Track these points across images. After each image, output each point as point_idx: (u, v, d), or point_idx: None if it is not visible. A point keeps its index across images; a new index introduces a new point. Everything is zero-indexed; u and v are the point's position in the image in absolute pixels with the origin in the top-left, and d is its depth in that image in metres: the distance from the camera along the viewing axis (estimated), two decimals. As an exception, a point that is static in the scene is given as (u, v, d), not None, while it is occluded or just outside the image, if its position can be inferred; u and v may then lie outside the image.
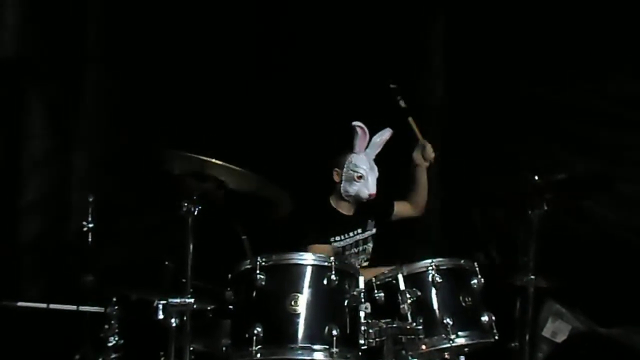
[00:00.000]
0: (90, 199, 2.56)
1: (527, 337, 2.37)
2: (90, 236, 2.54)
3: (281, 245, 2.06)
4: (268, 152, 3.13)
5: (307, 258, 1.84)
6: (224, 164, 1.74)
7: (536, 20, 3.13)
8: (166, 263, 2.28)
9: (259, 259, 1.82)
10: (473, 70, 3.32)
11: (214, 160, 1.73)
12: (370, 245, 2.58)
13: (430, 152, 2.64)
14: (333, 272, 1.80)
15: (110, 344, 2.09)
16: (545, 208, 2.24)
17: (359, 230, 2.54)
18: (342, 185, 2.52)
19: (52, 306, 2.11)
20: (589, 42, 3.00)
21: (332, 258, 1.84)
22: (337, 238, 2.47)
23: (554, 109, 3.09)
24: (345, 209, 2.57)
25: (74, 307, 2.11)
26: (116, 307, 2.12)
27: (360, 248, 2.55)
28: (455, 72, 3.39)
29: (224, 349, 1.85)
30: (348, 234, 2.51)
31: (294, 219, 2.30)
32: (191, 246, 1.77)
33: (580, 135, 2.99)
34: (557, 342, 2.89)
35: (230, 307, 1.89)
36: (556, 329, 2.95)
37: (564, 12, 3.05)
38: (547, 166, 2.79)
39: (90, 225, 2.53)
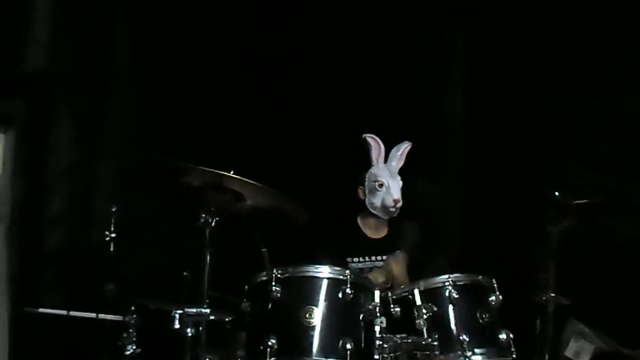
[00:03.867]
0: (113, 210, 2.62)
1: (546, 357, 2.34)
2: (112, 246, 2.60)
3: (300, 259, 2.06)
4: (290, 167, 3.16)
5: (323, 271, 1.85)
6: (241, 178, 1.76)
7: (555, 37, 3.12)
8: (184, 274, 2.30)
9: (275, 271, 1.83)
10: (494, 87, 3.30)
11: (231, 174, 1.76)
12: None
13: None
14: (348, 286, 1.80)
15: (127, 353, 2.11)
16: (565, 224, 2.23)
17: (384, 257, 2.46)
18: (367, 199, 2.52)
19: (72, 313, 2.14)
20: (607, 58, 2.98)
21: (347, 272, 1.84)
22: (356, 259, 2.44)
23: (572, 126, 3.07)
24: (372, 229, 2.54)
25: (93, 315, 2.14)
26: (134, 316, 2.15)
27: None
28: (476, 90, 3.38)
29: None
30: (370, 258, 2.46)
31: (314, 235, 2.31)
32: (208, 257, 1.79)
33: (598, 152, 2.96)
34: None
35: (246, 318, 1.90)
36: (579, 349, 2.90)
37: (582, 28, 3.04)
38: (565, 182, 2.75)
39: (113, 235, 2.58)
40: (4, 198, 3.04)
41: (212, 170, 1.79)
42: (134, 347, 2.12)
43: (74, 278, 3.00)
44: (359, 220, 2.54)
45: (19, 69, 2.95)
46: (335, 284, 1.82)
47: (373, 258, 2.47)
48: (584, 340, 2.91)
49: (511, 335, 1.94)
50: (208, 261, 1.80)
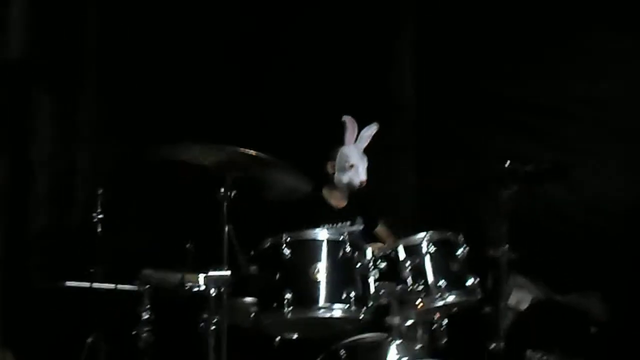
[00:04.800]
0: (99, 192, 2.80)
1: (501, 303, 2.73)
2: (99, 227, 2.78)
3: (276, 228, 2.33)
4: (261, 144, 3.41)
5: (325, 234, 2.18)
6: (253, 152, 2.02)
7: (503, 15, 3.46)
8: (187, 245, 2.55)
9: (283, 236, 2.13)
10: (441, 69, 3.63)
11: (242, 149, 2.01)
12: None
13: None
14: (347, 245, 2.14)
15: (143, 318, 2.34)
16: (514, 189, 2.63)
17: (348, 223, 2.83)
18: (335, 175, 2.83)
19: (94, 285, 2.35)
20: (549, 39, 3.37)
21: (346, 234, 2.17)
22: (327, 226, 2.76)
23: (515, 104, 3.48)
24: (337, 200, 2.87)
25: (112, 286, 2.35)
26: (148, 286, 2.38)
27: None
28: (425, 70, 3.70)
29: (251, 315, 2.15)
30: (337, 224, 2.80)
31: (286, 206, 2.60)
32: (227, 227, 2.06)
33: (538, 128, 3.39)
34: (520, 310, 3.20)
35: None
36: (519, 298, 3.22)
37: (529, 7, 3.40)
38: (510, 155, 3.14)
39: (100, 216, 2.76)
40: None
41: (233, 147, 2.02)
42: (149, 314, 2.36)
43: (63, 258, 3.17)
44: (324, 192, 2.86)
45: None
46: (335, 245, 2.14)
47: (339, 224, 2.81)
48: (523, 290, 3.25)
49: (477, 280, 2.34)
50: (227, 231, 2.06)
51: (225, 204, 2.07)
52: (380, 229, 2.97)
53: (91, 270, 2.67)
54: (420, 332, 2.35)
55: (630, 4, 3.26)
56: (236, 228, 2.18)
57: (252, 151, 2.03)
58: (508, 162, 2.56)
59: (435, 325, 2.42)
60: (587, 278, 3.19)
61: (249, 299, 2.30)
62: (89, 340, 2.73)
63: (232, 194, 2.07)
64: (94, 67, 3.33)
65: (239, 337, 2.23)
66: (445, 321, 2.40)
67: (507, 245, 2.63)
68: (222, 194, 2.07)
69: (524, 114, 3.46)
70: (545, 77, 3.41)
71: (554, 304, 3.22)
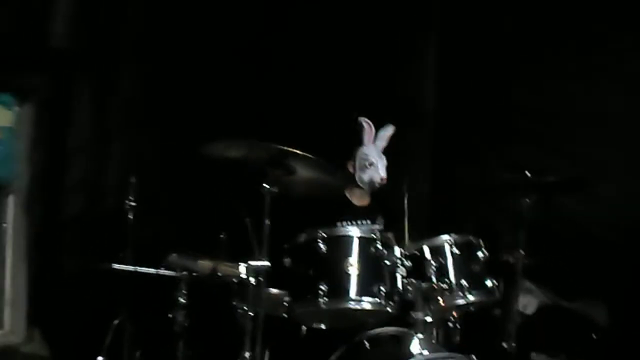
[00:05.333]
0: (132, 181, 2.94)
1: (513, 307, 2.87)
2: (131, 214, 2.91)
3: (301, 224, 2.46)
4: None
5: (357, 232, 2.34)
6: (298, 151, 2.16)
7: (525, 24, 3.56)
8: (221, 236, 2.69)
9: (319, 232, 2.28)
10: (462, 77, 3.74)
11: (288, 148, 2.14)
12: None
13: None
14: (378, 242, 2.29)
15: (180, 302, 2.49)
16: (531, 198, 2.77)
17: (368, 222, 2.92)
18: (356, 174, 2.97)
19: (138, 269, 2.49)
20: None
21: (377, 232, 2.32)
22: (346, 224, 2.87)
23: (533, 115, 3.59)
24: (358, 199, 3.00)
25: (153, 271, 2.50)
26: (185, 272, 2.52)
27: None
28: (446, 78, 3.82)
29: (285, 304, 2.30)
30: (357, 222, 2.91)
31: (311, 203, 2.72)
32: (267, 221, 2.20)
33: (558, 139, 3.50)
34: (527, 313, 3.32)
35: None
36: (527, 302, 3.34)
37: (554, 16, 3.51)
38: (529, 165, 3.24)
39: (133, 204, 2.90)
40: (20, 170, 3.28)
41: (275, 145, 2.16)
42: (185, 299, 2.50)
43: (92, 244, 3.31)
44: (346, 191, 2.99)
45: (39, 45, 3.15)
46: (367, 241, 2.29)
47: (359, 222, 2.90)
48: (530, 295, 3.37)
49: (495, 282, 2.49)
50: (267, 224, 2.20)
51: (267, 198, 2.20)
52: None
53: (120, 255, 2.82)
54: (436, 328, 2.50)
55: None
56: (259, 222, 2.29)
57: (296, 150, 2.16)
58: (528, 173, 2.70)
59: (450, 323, 2.57)
60: (592, 286, 3.32)
61: (277, 290, 2.43)
62: (115, 322, 2.88)
63: (274, 190, 2.20)
64: (132, 57, 3.43)
65: (268, 326, 2.35)
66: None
67: (522, 252, 2.78)
68: (265, 189, 2.20)
69: (542, 125, 3.56)
70: (566, 89, 3.50)
71: (559, 309, 3.35)
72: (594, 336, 3.25)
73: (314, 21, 3.67)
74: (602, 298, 3.32)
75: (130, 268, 2.53)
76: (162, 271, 2.50)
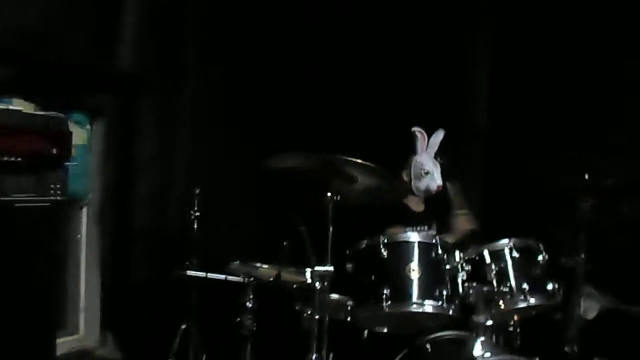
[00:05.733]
0: (197, 192, 3.09)
1: (575, 311, 2.86)
2: (196, 223, 3.06)
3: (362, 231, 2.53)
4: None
5: (417, 237, 2.40)
6: (358, 160, 2.24)
7: (572, 33, 3.55)
8: (284, 243, 2.79)
9: (381, 237, 2.36)
10: (514, 94, 3.74)
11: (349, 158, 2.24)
12: None
13: (468, 223, 3.04)
14: (438, 247, 2.35)
15: (248, 306, 2.61)
16: (591, 203, 2.76)
17: (426, 227, 3.00)
18: (412, 183, 3.03)
19: (209, 275, 2.63)
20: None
21: (437, 237, 2.37)
22: (407, 230, 2.90)
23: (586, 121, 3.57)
24: (414, 205, 3.07)
25: (223, 277, 2.63)
26: (252, 279, 2.64)
27: None
28: (498, 99, 3.84)
29: (348, 309, 2.38)
30: (416, 228, 2.96)
31: (371, 211, 2.78)
32: (331, 228, 2.29)
33: (612, 143, 3.47)
34: (588, 318, 3.25)
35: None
36: (587, 307, 3.25)
37: (606, 23, 3.49)
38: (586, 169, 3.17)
39: (198, 214, 3.05)
40: (92, 184, 3.49)
41: (334, 155, 2.26)
42: (252, 303, 2.62)
43: (162, 253, 3.48)
44: (403, 199, 3.05)
45: (109, 68, 3.36)
46: (428, 247, 2.36)
47: (419, 228, 2.97)
48: (591, 299, 3.32)
49: (557, 286, 2.50)
50: (331, 231, 2.29)
51: (330, 207, 2.29)
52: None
53: (187, 263, 2.97)
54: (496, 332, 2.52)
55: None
56: (321, 230, 2.37)
57: (358, 159, 2.25)
58: (587, 175, 2.70)
59: (510, 328, 2.60)
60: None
61: (336, 296, 2.51)
62: (183, 326, 3.03)
63: (337, 198, 2.29)
64: (194, 74, 3.59)
65: (332, 330, 2.43)
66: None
67: (582, 256, 2.77)
68: (328, 198, 2.29)
69: (598, 130, 3.54)
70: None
71: (621, 313, 3.31)
72: None
73: (370, 32, 3.77)
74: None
75: (200, 274, 2.66)
76: (231, 277, 2.62)
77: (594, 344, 3.17)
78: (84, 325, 3.50)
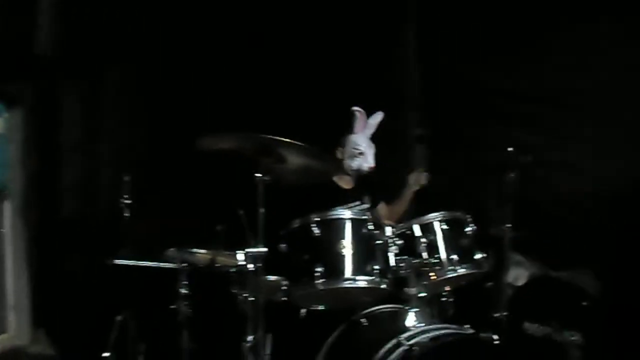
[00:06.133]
0: (127, 178, 2.99)
1: (503, 279, 2.95)
2: (127, 211, 2.97)
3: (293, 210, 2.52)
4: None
5: (349, 214, 2.42)
6: (288, 140, 2.23)
7: (497, 17, 3.66)
8: (217, 228, 2.76)
9: (312, 216, 2.36)
10: (443, 63, 3.83)
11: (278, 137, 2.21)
12: None
13: (423, 179, 3.17)
14: (369, 223, 2.38)
15: (182, 293, 2.56)
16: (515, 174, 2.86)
17: (358, 202, 3.02)
18: (345, 161, 3.05)
19: (139, 263, 2.56)
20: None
21: (368, 213, 2.40)
22: (339, 208, 2.99)
23: (513, 96, 3.66)
24: (345, 183, 3.10)
25: (154, 264, 2.57)
26: (186, 264, 2.59)
27: None
28: (428, 65, 3.90)
29: (283, 288, 2.38)
30: (347, 204, 2.98)
31: (301, 191, 2.79)
32: (262, 209, 2.27)
33: (537, 117, 3.59)
34: (518, 285, 3.42)
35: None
36: (517, 275, 3.44)
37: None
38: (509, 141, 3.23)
39: (128, 202, 2.95)
40: (14, 176, 3.33)
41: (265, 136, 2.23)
42: (187, 290, 2.57)
43: (91, 244, 3.37)
44: (334, 177, 3.06)
45: (25, 54, 3.20)
46: (359, 223, 2.38)
47: (350, 205, 2.95)
48: (520, 267, 3.47)
49: (485, 255, 2.58)
50: (262, 212, 2.27)
51: (260, 188, 2.27)
52: (380, 207, 3.16)
53: (119, 252, 2.88)
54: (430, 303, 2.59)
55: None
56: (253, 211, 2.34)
57: (287, 139, 2.24)
58: (510, 149, 2.79)
59: (443, 298, 2.67)
60: (581, 257, 3.42)
61: (273, 277, 2.50)
62: (119, 318, 2.95)
63: (266, 179, 2.27)
64: (118, 57, 3.47)
65: (268, 310, 2.43)
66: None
67: (509, 225, 2.87)
68: (257, 178, 2.27)
69: (523, 105, 3.64)
70: (541, 68, 3.60)
71: (549, 279, 3.45)
72: (584, 303, 3.31)
73: (302, 13, 3.73)
74: (590, 267, 3.42)
75: (131, 262, 2.59)
76: (162, 264, 2.57)
77: (524, 309, 3.32)
78: (14, 324, 3.36)
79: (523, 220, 2.91)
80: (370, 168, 3.02)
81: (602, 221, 3.44)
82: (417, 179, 3.19)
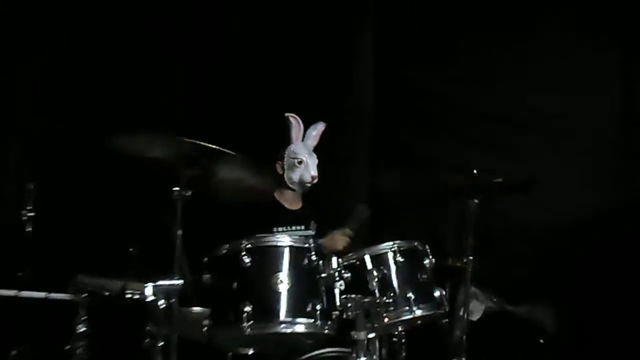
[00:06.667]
0: (31, 187, 2.53)
1: (462, 315, 2.64)
2: (29, 226, 2.51)
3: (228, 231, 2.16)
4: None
5: (288, 240, 2.00)
6: (219, 148, 1.82)
7: (459, 32, 3.48)
8: (130, 250, 2.31)
9: (243, 242, 1.94)
10: (399, 78, 3.59)
11: (209, 144, 1.81)
12: None
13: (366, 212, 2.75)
14: (312, 253, 1.97)
15: (79, 332, 2.08)
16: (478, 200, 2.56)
17: (302, 227, 2.70)
18: (285, 174, 2.70)
19: (22, 294, 2.07)
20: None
21: (311, 240, 2.00)
22: (281, 229, 2.62)
23: (473, 116, 3.47)
24: (289, 202, 2.73)
25: (43, 295, 2.08)
26: (84, 295, 2.12)
27: None
28: (383, 79, 3.63)
29: (204, 329, 1.94)
30: (291, 227, 2.66)
31: (238, 210, 2.42)
32: (180, 231, 1.84)
33: (497, 139, 3.40)
34: (472, 320, 3.11)
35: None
36: (472, 308, 3.14)
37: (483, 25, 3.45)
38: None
39: (31, 214, 2.50)
40: None
41: (190, 140, 1.83)
42: (85, 327, 2.10)
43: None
44: (275, 194, 2.71)
45: None
46: (300, 252, 1.97)
47: (294, 228, 2.67)
48: (475, 300, 3.20)
49: (444, 292, 2.23)
50: (180, 235, 1.84)
51: (179, 204, 1.84)
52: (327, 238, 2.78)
53: (19, 275, 2.41)
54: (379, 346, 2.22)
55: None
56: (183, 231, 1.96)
57: (211, 145, 1.82)
58: (475, 171, 2.49)
59: (395, 339, 2.31)
60: (539, 291, 3.22)
61: (198, 309, 2.10)
62: (13, 353, 2.45)
63: (187, 194, 1.84)
64: (25, 50, 3.07)
65: (187, 351, 2.01)
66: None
67: (470, 257, 2.56)
68: (176, 192, 1.84)
69: (482, 125, 3.45)
70: (505, 89, 3.43)
71: (505, 314, 3.21)
72: (541, 341, 3.14)
73: (247, 17, 3.46)
74: (549, 301, 3.21)
75: (11, 293, 2.09)
76: (53, 295, 2.08)
77: (480, 347, 3.05)
78: None
79: (481, 250, 2.68)
80: (313, 177, 2.71)
81: (561, 255, 3.28)
82: (362, 212, 2.77)
